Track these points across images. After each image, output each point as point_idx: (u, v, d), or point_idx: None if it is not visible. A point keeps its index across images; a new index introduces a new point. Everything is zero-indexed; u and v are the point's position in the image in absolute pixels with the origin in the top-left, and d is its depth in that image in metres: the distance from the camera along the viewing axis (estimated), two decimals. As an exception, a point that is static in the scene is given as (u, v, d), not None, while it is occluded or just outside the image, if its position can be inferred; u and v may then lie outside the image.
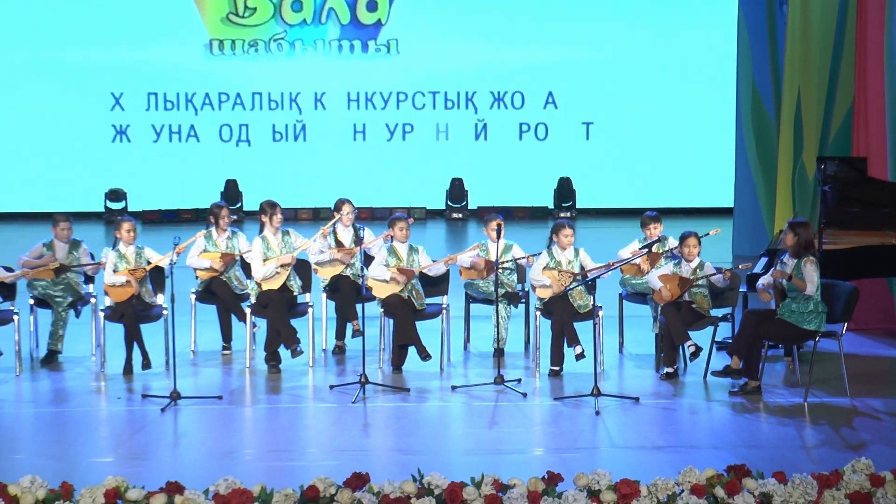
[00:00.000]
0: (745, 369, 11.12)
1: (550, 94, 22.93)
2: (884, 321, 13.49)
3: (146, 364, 11.96)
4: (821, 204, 12.68)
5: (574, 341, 11.71)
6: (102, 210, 22.02)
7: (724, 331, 12.14)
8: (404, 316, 11.90)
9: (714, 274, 11.65)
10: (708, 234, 12.33)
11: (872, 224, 12.59)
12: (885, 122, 13.43)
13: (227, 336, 12.79)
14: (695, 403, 11.02)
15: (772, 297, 11.28)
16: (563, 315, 11.75)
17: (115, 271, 12.04)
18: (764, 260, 12.29)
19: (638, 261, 12.32)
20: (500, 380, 11.34)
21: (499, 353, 11.93)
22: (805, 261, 10.89)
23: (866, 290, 12.21)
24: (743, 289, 12.30)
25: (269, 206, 12.45)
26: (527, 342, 12.75)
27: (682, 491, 8.24)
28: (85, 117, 22.52)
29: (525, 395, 11.20)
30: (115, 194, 22.09)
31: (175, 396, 10.90)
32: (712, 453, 9.49)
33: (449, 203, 22.50)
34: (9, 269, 12.18)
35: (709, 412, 10.80)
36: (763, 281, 11.29)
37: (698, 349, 11.60)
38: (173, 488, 8.21)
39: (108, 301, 12.11)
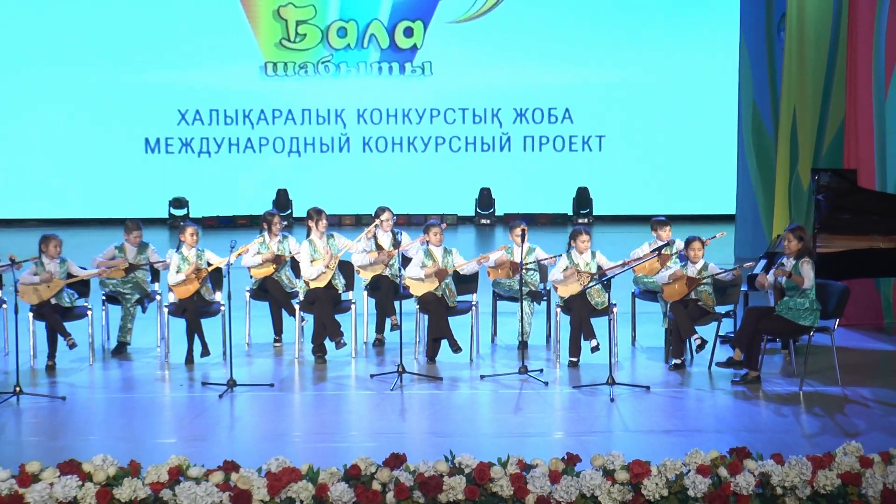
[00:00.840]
0: (746, 361, 11.08)
1: (567, 110, 22.88)
2: (872, 317, 13.46)
3: (205, 354, 11.99)
4: (814, 211, 12.63)
5: (591, 335, 11.69)
6: (167, 216, 22.08)
7: (727, 326, 12.09)
8: (438, 312, 11.90)
9: (719, 273, 11.62)
10: (714, 236, 12.30)
11: (862, 230, 12.52)
12: (873, 137, 13.42)
13: (278, 330, 12.80)
14: (700, 392, 10.98)
15: (769, 284, 11.25)
16: (581, 311, 11.73)
17: (178, 271, 12.07)
18: (763, 261, 12.24)
19: (649, 262, 12.29)
20: (524, 370, 11.33)
21: (523, 345, 11.92)
22: (802, 262, 10.88)
23: (856, 290, 12.16)
24: (744, 288, 12.28)
25: (316, 213, 12.48)
26: (548, 336, 12.72)
27: (689, 471, 8.21)
28: (154, 132, 22.60)
29: (546, 383, 11.18)
30: (179, 202, 22.16)
31: (231, 384, 10.92)
32: (716, 437, 9.46)
33: (478, 210, 22.47)
34: (84, 269, 12.23)
35: (713, 399, 10.76)
36: (766, 278, 11.27)
37: (704, 342, 11.59)
38: (230, 467, 8.23)
39: (171, 298, 12.14)
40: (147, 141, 22.59)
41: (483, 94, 22.74)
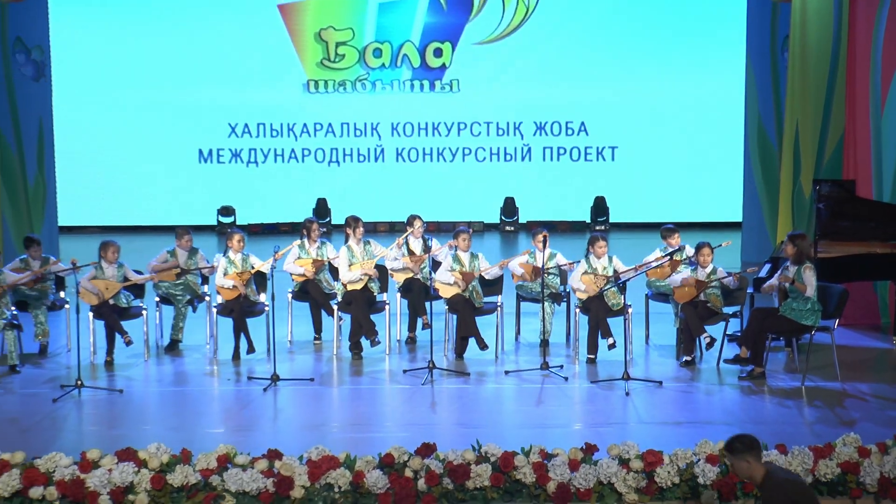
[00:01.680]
0: (752, 358, 11.07)
1: (583, 123, 22.81)
2: (869, 317, 13.40)
3: (251, 351, 12.03)
4: (816, 219, 12.59)
5: (607, 334, 11.68)
6: (215, 223, 22.13)
7: (734, 325, 12.05)
8: (466, 312, 11.91)
9: (726, 277, 11.61)
10: (721, 245, 12.27)
11: (860, 236, 12.48)
12: (871, 150, 13.37)
13: (317, 328, 12.82)
14: (709, 386, 10.96)
15: (774, 288, 11.23)
16: (598, 312, 11.73)
17: (225, 274, 12.12)
18: (768, 266, 12.21)
19: (660, 266, 12.28)
20: (545, 366, 11.34)
21: (544, 343, 11.91)
22: (804, 267, 10.86)
23: (855, 292, 12.11)
24: (750, 290, 12.25)
25: (353, 221, 12.53)
26: (568, 334, 12.71)
27: (699, 460, 8.20)
28: (207, 144, 22.66)
29: (566, 378, 11.17)
30: (226, 210, 22.20)
31: (275, 378, 10.96)
32: (724, 428, 9.43)
33: (502, 217, 22.42)
34: (139, 273, 12.29)
35: (721, 394, 10.73)
36: (770, 282, 11.25)
37: (712, 340, 11.57)
38: (273, 455, 8.26)
39: (219, 299, 12.19)
40: (200, 152, 22.68)
41: (506, 108, 22.67)
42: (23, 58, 17.36)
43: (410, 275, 12.57)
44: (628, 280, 11.58)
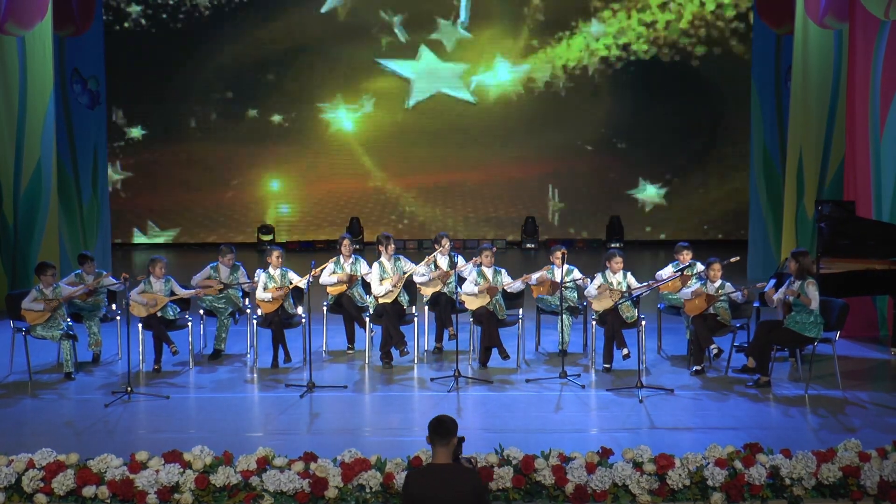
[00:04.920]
0: (758, 367, 11.01)
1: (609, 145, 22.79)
2: (869, 330, 13.33)
3: (288, 360, 12.04)
4: (818, 237, 12.52)
5: (622, 345, 11.64)
6: (255, 241, 22.18)
7: (742, 337, 11.99)
8: (489, 324, 11.88)
9: (734, 291, 11.56)
10: (729, 260, 12.22)
11: (860, 254, 12.41)
12: (870, 173, 13.31)
13: (350, 339, 12.82)
14: (718, 394, 10.89)
15: (780, 301, 11.16)
16: (613, 324, 11.69)
17: (265, 289, 12.14)
18: (773, 281, 12.13)
19: (672, 280, 12.24)
20: (563, 374, 11.30)
21: (563, 353, 11.87)
22: (807, 283, 10.82)
23: (855, 306, 12.06)
24: (756, 304, 12.19)
25: (385, 238, 12.53)
26: (585, 345, 12.66)
27: (708, 463, 8.16)
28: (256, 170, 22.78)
29: (583, 386, 11.13)
30: (266, 228, 22.25)
31: (311, 385, 10.95)
32: (732, 434, 9.38)
33: (524, 236, 22.41)
34: (185, 287, 12.33)
35: (729, 401, 10.66)
36: (776, 296, 11.19)
37: (721, 351, 11.53)
38: (309, 457, 8.26)
39: (259, 312, 12.20)
40: (240, 178, 22.69)
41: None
42: (79, 87, 17.49)
43: (438, 289, 12.56)
44: (642, 295, 11.54)
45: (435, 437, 6.64)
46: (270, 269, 12.24)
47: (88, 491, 8.06)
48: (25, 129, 15.10)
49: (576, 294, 12.40)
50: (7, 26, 14.80)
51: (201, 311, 12.63)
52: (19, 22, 14.87)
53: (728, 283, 11.71)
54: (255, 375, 11.76)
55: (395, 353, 12.03)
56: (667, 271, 12.57)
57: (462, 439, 6.86)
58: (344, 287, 12.53)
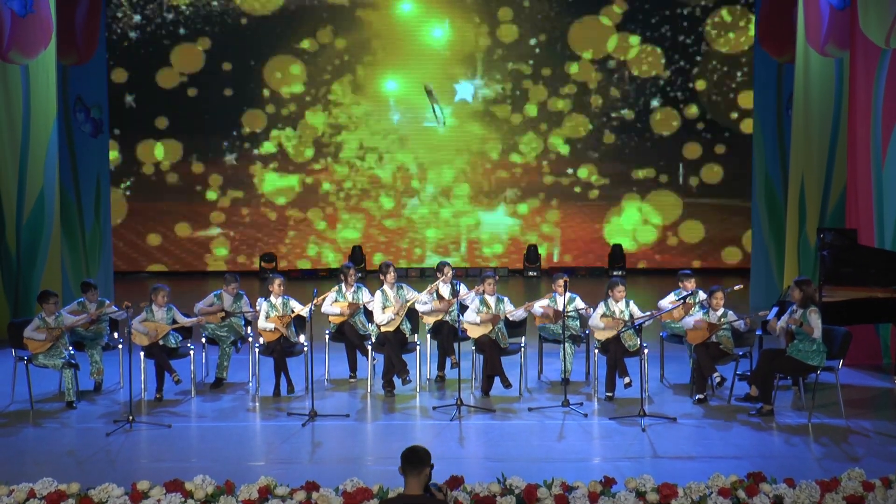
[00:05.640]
0: (761, 396, 11.00)
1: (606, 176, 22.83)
2: (872, 358, 13.31)
3: (290, 389, 12.03)
4: (820, 266, 12.52)
5: (624, 373, 11.63)
6: (258, 269, 22.16)
7: (744, 365, 11.96)
8: (492, 352, 11.88)
9: (737, 320, 11.56)
10: (733, 288, 12.22)
11: (862, 282, 12.40)
12: (872, 201, 13.33)
13: (353, 367, 12.81)
14: (721, 423, 10.86)
15: (782, 330, 11.13)
16: (616, 352, 11.68)
17: (267, 318, 12.14)
18: (775, 309, 12.12)
19: (676, 310, 12.25)
20: (566, 403, 11.28)
21: (565, 382, 11.85)
22: (809, 311, 10.83)
23: (858, 334, 12.02)
24: (759, 332, 12.19)
25: (386, 267, 12.54)
26: (587, 373, 12.64)
27: (711, 493, 8.14)
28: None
29: (586, 415, 11.11)
30: (268, 257, 22.26)
31: (313, 414, 10.94)
32: (735, 462, 9.36)
33: (526, 264, 22.40)
34: (187, 316, 12.33)
35: (732, 430, 10.64)
36: (778, 325, 11.18)
37: (723, 379, 11.50)
38: (311, 486, 8.25)
39: (261, 340, 12.20)
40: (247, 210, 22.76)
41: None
42: (83, 116, 17.55)
43: (440, 317, 12.56)
44: (644, 324, 11.54)
45: (407, 467, 6.50)
46: (272, 298, 12.25)
47: (89, 520, 8.05)
48: (28, 157, 15.17)
49: (578, 322, 12.40)
50: (11, 55, 14.89)
51: (203, 340, 12.63)
52: (23, 51, 14.96)
53: (731, 312, 11.71)
54: (257, 404, 11.75)
55: (397, 381, 12.02)
56: (669, 299, 12.58)
57: (431, 467, 6.71)
58: (346, 316, 12.54)
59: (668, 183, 22.48)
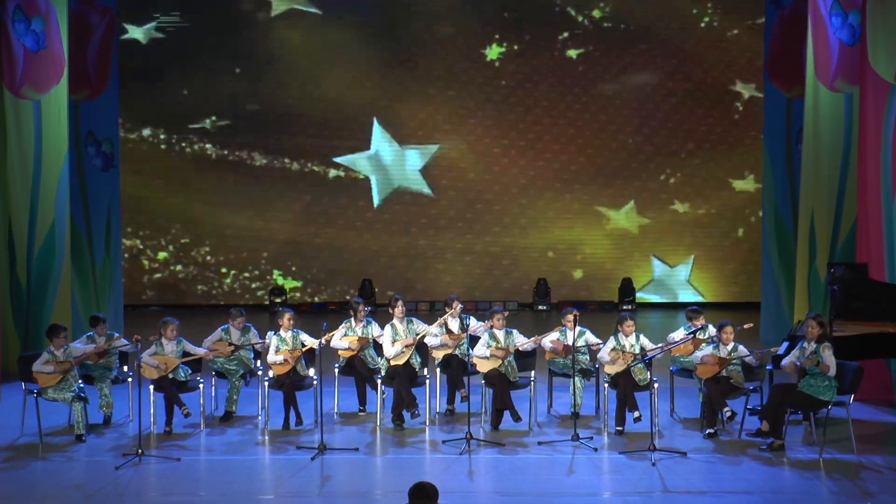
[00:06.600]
0: (772, 430, 10.97)
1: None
2: (884, 393, 13.26)
3: (299, 421, 12.03)
4: (830, 300, 12.52)
5: (634, 407, 11.62)
6: (267, 303, 22.17)
7: (755, 399, 11.93)
8: (501, 386, 11.88)
9: (747, 355, 11.56)
10: (742, 327, 12.21)
11: (873, 316, 12.38)
12: (882, 234, 13.33)
13: (362, 401, 12.82)
14: (732, 457, 10.84)
15: (796, 370, 11.13)
16: (625, 386, 11.68)
17: (276, 351, 12.16)
18: (785, 344, 12.11)
19: (685, 343, 12.25)
20: (576, 437, 11.27)
21: (575, 416, 11.84)
22: (822, 347, 10.84)
23: (869, 369, 12.00)
24: (769, 367, 12.18)
25: (395, 300, 12.57)
26: (597, 407, 12.62)
27: (722, 527, 8.11)
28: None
29: (596, 449, 11.10)
30: (277, 291, 22.28)
31: (322, 448, 10.94)
32: (746, 497, 9.34)
33: (535, 298, 22.39)
34: (198, 346, 12.36)
35: (743, 464, 10.61)
36: (787, 361, 11.17)
37: (734, 414, 11.48)
38: (321, 520, 8.23)
39: (271, 373, 12.21)
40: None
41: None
42: (93, 150, 17.64)
43: (450, 351, 12.56)
44: (654, 357, 11.54)
45: (415, 503, 6.53)
46: (282, 332, 12.27)
47: (98, 554, 8.05)
48: (40, 191, 15.27)
49: (588, 356, 12.39)
50: (23, 90, 15.01)
51: (213, 373, 12.64)
52: (35, 86, 15.09)
53: (741, 346, 11.70)
54: (267, 437, 11.75)
55: (406, 415, 12.02)
56: (679, 334, 12.58)
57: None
58: (355, 350, 12.56)
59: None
